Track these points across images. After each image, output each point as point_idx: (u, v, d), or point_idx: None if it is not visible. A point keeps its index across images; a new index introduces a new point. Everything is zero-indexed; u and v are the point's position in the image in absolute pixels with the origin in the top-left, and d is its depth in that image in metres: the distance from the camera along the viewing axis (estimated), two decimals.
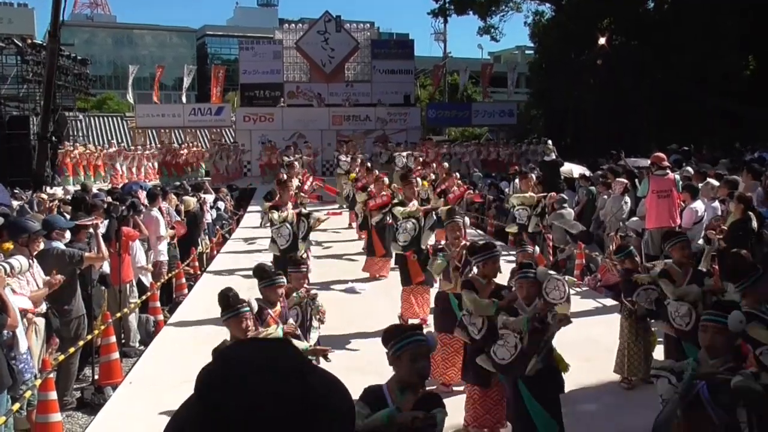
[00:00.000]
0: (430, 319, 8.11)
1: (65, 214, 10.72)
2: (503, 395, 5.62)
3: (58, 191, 18.66)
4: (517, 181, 12.03)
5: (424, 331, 3.94)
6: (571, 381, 6.56)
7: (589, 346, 7.41)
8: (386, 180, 12.79)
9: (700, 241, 10.49)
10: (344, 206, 18.27)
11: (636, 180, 13.89)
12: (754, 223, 9.29)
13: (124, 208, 9.78)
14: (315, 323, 6.45)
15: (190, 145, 30.37)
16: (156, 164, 29.32)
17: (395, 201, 10.84)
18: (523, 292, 5.33)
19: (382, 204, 11.66)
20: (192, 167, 28.93)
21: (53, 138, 24.57)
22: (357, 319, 9.13)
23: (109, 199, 11.76)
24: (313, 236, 15.12)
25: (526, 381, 5.13)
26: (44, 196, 15.49)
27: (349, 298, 10.61)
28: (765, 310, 4.87)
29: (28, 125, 25.33)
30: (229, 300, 5.25)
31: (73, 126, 32.14)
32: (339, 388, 1.39)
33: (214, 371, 1.29)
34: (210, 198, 17.41)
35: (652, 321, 6.90)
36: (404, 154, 20.07)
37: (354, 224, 16.12)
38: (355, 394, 3.72)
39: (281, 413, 1.23)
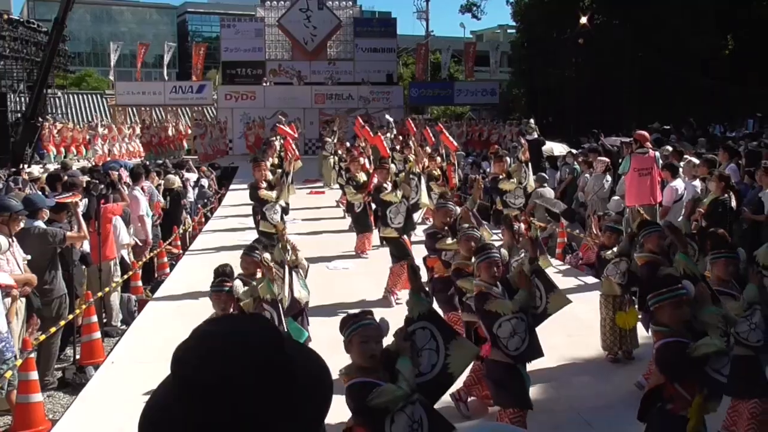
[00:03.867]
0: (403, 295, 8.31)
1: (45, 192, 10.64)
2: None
3: (35, 170, 18.48)
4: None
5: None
6: (555, 357, 6.65)
7: (572, 323, 7.47)
8: (363, 160, 12.80)
9: (680, 219, 10.59)
10: (330, 185, 18.30)
11: (619, 159, 13.95)
12: (733, 201, 9.39)
13: (103, 186, 9.71)
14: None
15: (175, 123, 30.19)
16: (139, 143, 29.15)
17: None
18: (488, 272, 5.32)
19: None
20: (175, 145, 28.79)
21: (40, 119, 24.46)
22: (341, 296, 9.15)
23: (88, 177, 11.68)
24: (299, 214, 15.18)
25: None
26: (25, 175, 15.35)
27: (332, 275, 10.62)
28: (732, 287, 5.10)
29: (6, 102, 25.03)
30: (216, 275, 5.35)
31: (52, 103, 31.80)
32: (315, 358, 1.40)
33: (189, 347, 1.30)
34: (193, 177, 17.34)
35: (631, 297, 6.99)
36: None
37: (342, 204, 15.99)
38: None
39: (258, 384, 1.24)
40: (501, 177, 10.83)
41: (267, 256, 6.13)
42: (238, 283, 5.54)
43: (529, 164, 11.00)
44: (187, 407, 1.23)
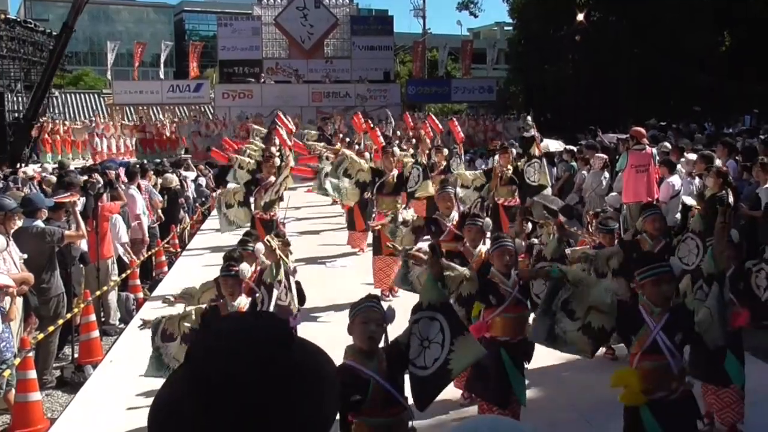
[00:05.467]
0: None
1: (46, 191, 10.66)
2: None
3: (30, 169, 18.47)
4: (497, 157, 11.96)
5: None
6: (553, 354, 6.63)
7: None
8: (367, 155, 12.80)
9: (677, 215, 10.61)
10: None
11: (617, 156, 13.95)
12: (731, 198, 9.38)
13: (101, 185, 9.71)
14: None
15: (171, 123, 30.16)
16: (133, 141, 29.12)
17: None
18: (500, 261, 5.32)
19: None
20: (172, 145, 28.77)
21: (40, 119, 24.49)
22: (338, 293, 9.15)
23: (86, 176, 11.66)
24: (295, 213, 15.16)
25: (508, 349, 5.18)
26: (22, 174, 15.34)
27: (330, 273, 10.63)
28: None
29: (3, 102, 25.00)
30: (224, 259, 5.52)
31: (49, 103, 31.79)
32: (322, 356, 1.40)
33: (199, 344, 1.32)
34: (191, 175, 17.34)
35: None
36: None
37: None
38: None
39: (266, 380, 1.25)
40: (507, 169, 10.84)
41: (271, 240, 6.14)
42: (245, 266, 5.55)
43: (543, 159, 11.04)
44: (195, 403, 1.25)
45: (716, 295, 4.24)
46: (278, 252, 5.91)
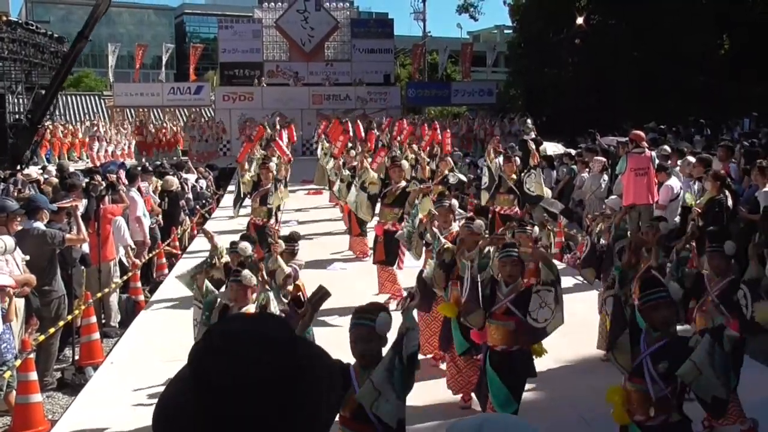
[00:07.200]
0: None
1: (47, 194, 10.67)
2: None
3: (33, 171, 18.45)
4: (499, 159, 12.02)
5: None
6: (552, 355, 6.65)
7: (570, 322, 7.47)
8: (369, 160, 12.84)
9: (677, 219, 10.62)
10: (324, 186, 18.21)
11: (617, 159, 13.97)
12: (729, 201, 9.40)
13: (102, 187, 9.73)
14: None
15: (171, 125, 30.15)
16: (132, 144, 29.15)
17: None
18: (504, 271, 5.30)
19: None
20: (169, 146, 28.76)
21: (45, 122, 24.51)
22: (338, 295, 9.11)
23: (88, 179, 11.67)
24: (296, 215, 15.20)
25: (490, 355, 5.20)
26: (20, 176, 15.34)
27: (330, 276, 10.61)
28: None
29: (4, 104, 24.97)
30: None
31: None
32: (322, 357, 1.42)
33: (205, 345, 1.32)
34: (192, 177, 17.36)
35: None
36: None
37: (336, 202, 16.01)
38: None
39: (267, 381, 1.26)
40: (511, 178, 11.00)
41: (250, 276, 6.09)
42: (246, 273, 5.58)
43: (540, 168, 11.15)
44: (196, 404, 1.26)
45: (706, 347, 4.03)
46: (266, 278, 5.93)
